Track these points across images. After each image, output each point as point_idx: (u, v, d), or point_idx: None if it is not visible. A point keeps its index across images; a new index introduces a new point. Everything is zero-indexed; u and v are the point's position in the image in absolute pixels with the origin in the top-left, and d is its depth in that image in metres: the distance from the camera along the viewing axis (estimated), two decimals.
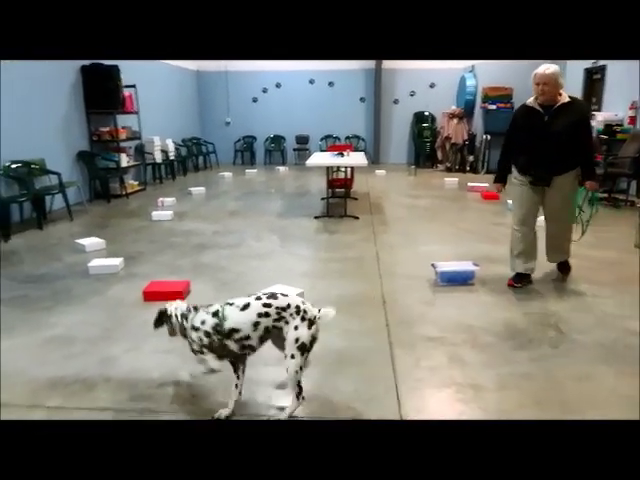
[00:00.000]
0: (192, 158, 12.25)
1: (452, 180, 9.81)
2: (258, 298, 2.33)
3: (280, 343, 2.32)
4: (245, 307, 2.30)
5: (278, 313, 2.28)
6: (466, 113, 11.93)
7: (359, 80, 13.26)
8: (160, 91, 11.04)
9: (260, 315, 2.27)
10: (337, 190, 7.82)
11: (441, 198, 8.30)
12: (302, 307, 2.29)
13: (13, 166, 6.27)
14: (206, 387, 2.62)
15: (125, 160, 8.55)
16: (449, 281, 4.08)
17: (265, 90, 13.66)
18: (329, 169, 7.41)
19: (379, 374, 2.76)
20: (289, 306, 2.29)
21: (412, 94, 13.24)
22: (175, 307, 2.43)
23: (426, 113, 13.07)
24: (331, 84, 13.43)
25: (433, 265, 4.24)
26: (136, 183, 9.19)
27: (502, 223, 6.02)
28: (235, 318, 2.28)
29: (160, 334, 3.14)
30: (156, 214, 6.75)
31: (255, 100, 13.74)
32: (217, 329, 2.28)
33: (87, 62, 7.93)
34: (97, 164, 8.13)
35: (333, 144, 12.41)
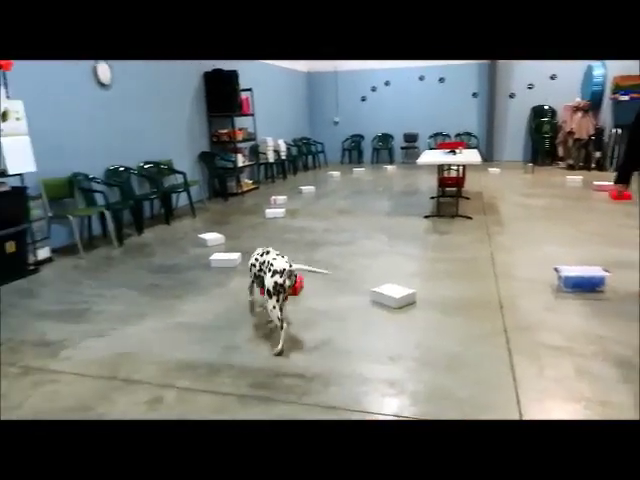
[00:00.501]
0: (302, 157, 12.61)
1: (575, 178, 9.10)
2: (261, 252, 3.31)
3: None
4: (253, 254, 3.38)
5: (260, 265, 3.21)
6: (593, 105, 10.99)
7: (472, 75, 12.77)
8: (273, 93, 11.49)
9: (252, 264, 3.35)
10: (448, 189, 7.60)
11: (562, 197, 7.74)
12: (272, 262, 3.05)
13: (146, 166, 6.90)
14: (322, 380, 2.68)
15: (241, 160, 9.02)
16: (575, 287, 3.79)
17: (374, 89, 13.65)
18: (440, 167, 7.23)
19: (497, 381, 2.65)
20: (265, 262, 3.14)
21: (530, 87, 12.46)
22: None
23: (546, 107, 12.23)
24: (442, 80, 13.08)
25: (556, 269, 3.97)
26: (250, 182, 9.67)
27: (636, 226, 5.47)
28: (251, 259, 3.39)
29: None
30: (270, 212, 7.05)
31: (364, 99, 13.79)
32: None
33: (209, 68, 8.49)
34: (216, 164, 8.67)
35: (443, 142, 12.08)
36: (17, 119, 4.46)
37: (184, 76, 8.02)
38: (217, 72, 8.51)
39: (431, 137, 13.09)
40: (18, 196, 4.60)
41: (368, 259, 4.88)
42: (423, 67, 12.94)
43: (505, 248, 5.10)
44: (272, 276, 2.96)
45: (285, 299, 3.02)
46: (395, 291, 3.73)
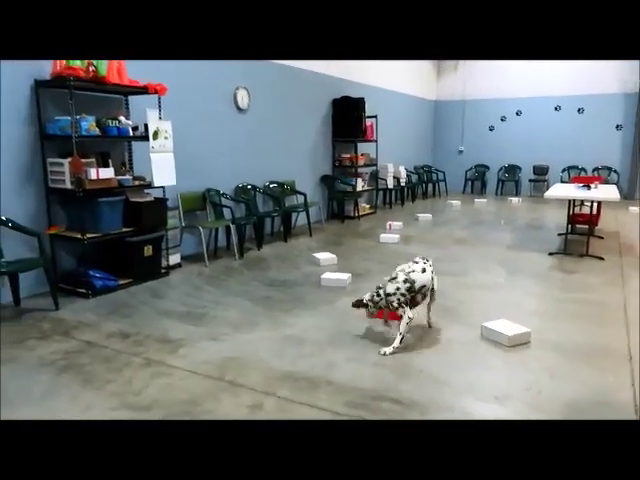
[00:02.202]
0: (422, 185, 12.48)
1: None
2: (425, 262, 3.59)
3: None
4: (423, 271, 3.49)
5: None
6: None
7: (617, 105, 11.76)
8: (399, 120, 11.58)
9: (432, 272, 3.58)
10: (579, 226, 7.04)
11: None
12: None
13: (271, 186, 7.33)
14: (419, 408, 2.62)
15: (360, 184, 9.18)
16: None
17: (504, 118, 13.16)
18: (572, 203, 6.73)
19: None
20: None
21: None
22: (366, 296, 3.51)
23: None
24: (580, 110, 12.22)
25: None
26: (368, 206, 9.78)
27: None
28: (421, 279, 3.44)
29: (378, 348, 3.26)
30: (384, 236, 7.06)
31: (492, 129, 13.35)
32: (409, 289, 3.38)
33: (338, 95, 8.83)
34: (336, 187, 8.92)
35: (577, 175, 11.25)
36: (165, 138, 5.01)
37: (314, 103, 8.42)
38: (345, 99, 8.82)
39: (564, 170, 12.26)
40: (160, 206, 5.14)
41: (482, 292, 4.68)
42: (560, 97, 12.24)
43: None
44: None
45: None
46: (508, 328, 3.53)
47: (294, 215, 7.68)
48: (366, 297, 3.50)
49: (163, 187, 5.14)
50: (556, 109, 12.50)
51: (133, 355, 3.30)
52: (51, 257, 4.51)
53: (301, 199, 7.58)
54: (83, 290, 4.50)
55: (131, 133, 4.86)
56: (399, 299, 3.34)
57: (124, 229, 4.82)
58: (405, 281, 3.37)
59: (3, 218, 4.12)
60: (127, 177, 4.85)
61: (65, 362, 3.19)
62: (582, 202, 7.25)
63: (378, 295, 3.42)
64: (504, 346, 3.42)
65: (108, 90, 4.79)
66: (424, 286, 3.45)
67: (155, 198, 5.11)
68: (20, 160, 4.32)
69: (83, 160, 4.36)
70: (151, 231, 5.02)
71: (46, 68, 4.32)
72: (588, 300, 4.42)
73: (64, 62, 4.23)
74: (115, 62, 4.53)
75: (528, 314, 4.05)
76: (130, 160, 5.22)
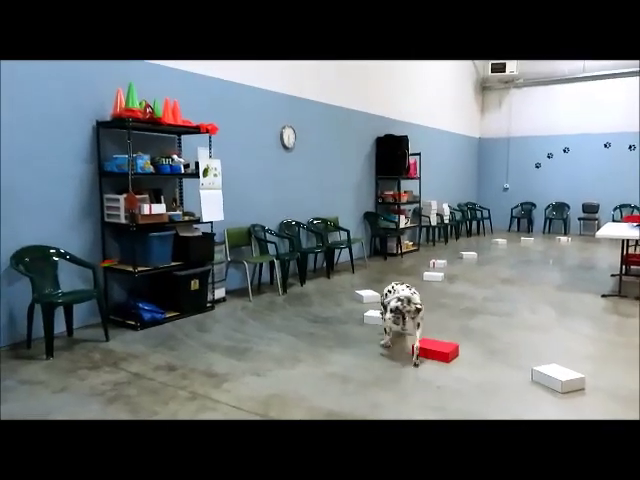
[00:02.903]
0: (466, 223, 12.33)
1: None
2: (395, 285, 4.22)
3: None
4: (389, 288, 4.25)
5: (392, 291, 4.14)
6: None
7: None
8: (442, 157, 11.59)
9: (389, 290, 4.22)
10: (633, 267, 6.74)
11: None
12: (398, 290, 4.05)
13: (314, 222, 7.41)
14: None
15: (403, 221, 9.16)
16: None
17: (550, 155, 12.94)
18: (625, 242, 6.48)
19: None
20: (393, 289, 4.14)
21: None
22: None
23: None
24: (632, 147, 11.88)
25: None
26: (410, 243, 9.72)
27: None
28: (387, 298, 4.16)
29: (429, 391, 3.20)
30: (427, 274, 6.97)
31: (538, 166, 13.13)
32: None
33: (382, 133, 8.94)
34: (379, 224, 8.93)
35: (630, 214, 10.85)
36: (214, 175, 5.19)
37: (358, 141, 8.56)
38: (388, 137, 8.93)
39: (616, 209, 11.85)
40: (207, 241, 5.28)
41: (530, 333, 4.52)
42: (610, 133, 11.96)
43: None
44: (396, 301, 3.94)
45: (404, 321, 4.41)
46: (560, 373, 3.39)
47: (337, 251, 7.71)
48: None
49: (211, 222, 5.29)
50: (606, 146, 12.21)
51: (179, 388, 3.34)
52: (103, 289, 4.68)
53: (344, 235, 7.62)
54: (132, 322, 4.63)
55: (182, 170, 5.06)
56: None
57: (173, 263, 4.96)
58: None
59: (62, 251, 4.33)
60: (177, 213, 5.03)
61: (114, 393, 3.26)
62: (637, 242, 6.97)
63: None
64: (557, 392, 3.27)
65: (163, 130, 5.03)
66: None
67: (203, 233, 5.26)
68: (80, 196, 4.57)
69: (137, 196, 4.56)
70: (198, 265, 5.14)
71: (107, 110, 4.60)
72: None
73: (123, 104, 4.49)
74: (170, 103, 4.78)
75: (581, 358, 3.88)
76: (181, 196, 5.42)
